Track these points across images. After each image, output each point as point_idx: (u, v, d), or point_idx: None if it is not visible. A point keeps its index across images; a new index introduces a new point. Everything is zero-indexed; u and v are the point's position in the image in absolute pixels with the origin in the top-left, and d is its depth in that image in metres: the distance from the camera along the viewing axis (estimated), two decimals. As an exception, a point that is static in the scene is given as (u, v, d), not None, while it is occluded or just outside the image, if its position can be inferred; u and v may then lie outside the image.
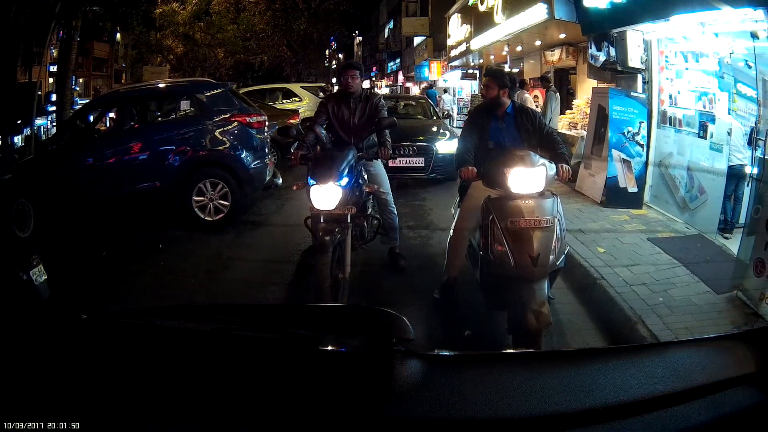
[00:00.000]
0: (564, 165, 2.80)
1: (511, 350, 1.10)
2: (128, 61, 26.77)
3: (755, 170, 3.82)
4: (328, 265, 2.87)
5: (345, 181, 3.12)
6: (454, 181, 6.72)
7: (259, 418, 0.78)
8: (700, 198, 4.92)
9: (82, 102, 14.78)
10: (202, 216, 4.97)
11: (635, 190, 5.37)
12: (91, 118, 5.48)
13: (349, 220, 3.10)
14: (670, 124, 5.39)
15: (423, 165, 6.60)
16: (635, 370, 0.95)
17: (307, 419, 0.77)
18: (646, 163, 5.49)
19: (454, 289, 3.20)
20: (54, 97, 18.51)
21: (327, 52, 33.22)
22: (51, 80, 23.16)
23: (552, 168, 2.67)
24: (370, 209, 3.86)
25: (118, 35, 25.77)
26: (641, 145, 5.35)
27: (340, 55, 40.47)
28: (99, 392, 0.82)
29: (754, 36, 3.72)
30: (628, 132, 5.27)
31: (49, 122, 15.74)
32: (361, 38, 40.25)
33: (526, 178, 2.53)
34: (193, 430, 0.76)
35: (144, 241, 4.65)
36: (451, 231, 3.25)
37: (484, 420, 0.77)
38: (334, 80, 32.40)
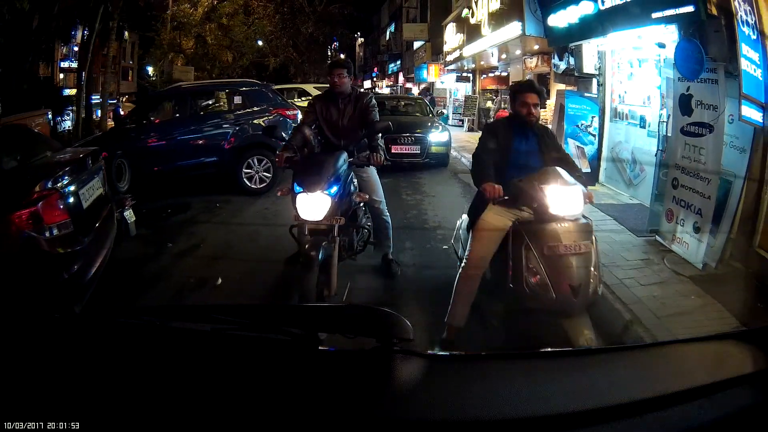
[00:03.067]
0: (588, 190, 2.55)
1: (511, 350, 1.15)
2: (136, 58, 27.90)
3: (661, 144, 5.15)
4: (314, 283, 2.64)
5: (334, 189, 2.84)
6: (444, 166, 8.23)
7: (260, 418, 0.78)
8: (641, 175, 6.24)
9: (94, 98, 15.95)
10: (249, 185, 6.41)
11: (588, 170, 6.72)
12: (157, 106, 6.92)
13: (336, 233, 2.84)
14: (620, 118, 6.73)
15: (419, 152, 8.13)
16: (635, 370, 0.95)
17: (307, 419, 0.77)
18: (599, 150, 6.86)
19: (453, 345, 2.66)
20: (66, 92, 19.68)
21: (329, 52, 34.37)
22: (62, 75, 24.31)
23: (584, 189, 2.46)
24: (361, 217, 3.56)
25: (126, 33, 26.91)
26: (593, 135, 6.72)
27: (342, 55, 41.71)
28: (99, 392, 0.82)
29: (661, 45, 5.03)
30: (582, 125, 6.64)
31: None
32: (362, 39, 41.39)
33: (565, 197, 2.32)
34: (193, 430, 0.76)
35: (204, 201, 6.03)
36: (463, 263, 2.66)
37: (484, 420, 0.77)
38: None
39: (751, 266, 3.92)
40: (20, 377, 0.85)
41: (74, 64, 23.93)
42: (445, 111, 12.97)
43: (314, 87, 13.07)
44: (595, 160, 6.76)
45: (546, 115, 8.56)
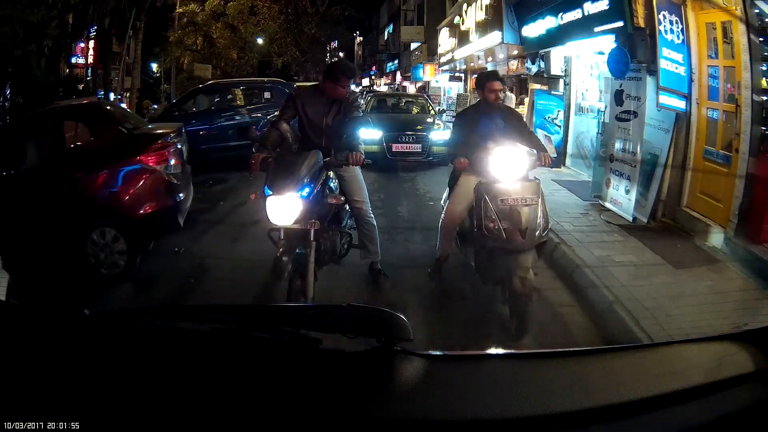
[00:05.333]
0: (544, 153, 3.23)
1: (511, 351, 1.17)
2: (140, 55, 29.05)
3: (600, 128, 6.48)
4: (285, 290, 2.61)
5: (306, 191, 2.73)
6: (446, 166, 9.25)
7: (260, 418, 0.79)
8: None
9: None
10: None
11: (555, 155, 8.11)
12: (197, 99, 8.29)
13: (312, 237, 2.72)
14: (583, 112, 8.10)
15: (421, 150, 8.16)
16: (634, 370, 0.97)
17: (307, 419, 0.78)
18: (565, 138, 8.23)
19: (444, 265, 3.60)
20: (81, 87, 20.85)
21: (327, 50, 35.32)
22: (67, 71, 25.41)
23: (533, 154, 3.13)
24: (345, 219, 3.47)
25: (130, 31, 28.00)
26: (559, 126, 8.09)
27: (341, 54, 42.77)
28: (99, 392, 0.82)
29: (600, 53, 6.39)
30: (549, 117, 8.02)
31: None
32: (361, 38, 42.48)
33: (509, 163, 2.90)
34: (193, 430, 0.77)
35: (237, 177, 7.36)
36: (443, 216, 3.52)
37: (484, 420, 0.78)
38: (325, 75, 34.24)
39: (679, 222, 5.10)
40: (20, 377, 0.85)
41: (80, 60, 25.21)
42: (443, 108, 14.09)
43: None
44: (561, 146, 8.15)
45: (523, 111, 9.96)
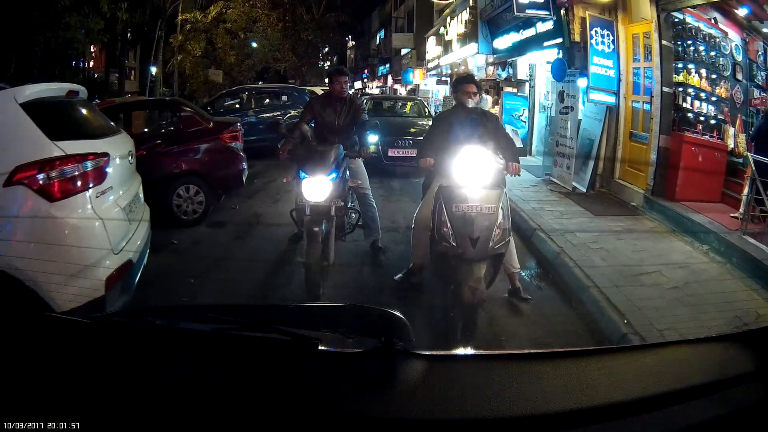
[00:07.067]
0: (514, 163, 3.14)
1: (511, 351, 1.09)
2: (138, 58, 30.22)
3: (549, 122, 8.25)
4: (319, 253, 3.13)
5: (334, 175, 3.33)
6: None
7: (259, 418, 0.80)
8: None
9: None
10: (290, 156, 9.48)
11: (521, 146, 9.86)
12: (230, 99, 9.99)
13: (333, 212, 3.29)
14: (545, 110, 9.85)
15: (416, 155, 8.78)
16: (635, 369, 0.98)
17: (307, 419, 0.79)
18: (530, 132, 9.98)
19: (418, 275, 3.53)
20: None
21: (320, 55, 36.57)
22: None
23: (501, 163, 3.00)
24: (350, 203, 4.06)
25: (129, 35, 29.24)
26: (524, 122, 9.84)
27: (334, 58, 44.00)
28: (99, 393, 0.83)
29: (549, 62, 8.14)
30: (515, 115, 9.77)
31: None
32: (354, 43, 43.66)
33: (470, 168, 2.80)
34: (192, 430, 0.78)
35: (262, 164, 9.00)
36: (414, 220, 3.48)
37: (484, 420, 0.78)
38: (327, 80, 35.14)
39: (612, 190, 6.66)
40: (20, 377, 0.86)
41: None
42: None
43: (321, 89, 15.99)
44: (526, 139, 9.92)
45: (498, 111, 11.72)
